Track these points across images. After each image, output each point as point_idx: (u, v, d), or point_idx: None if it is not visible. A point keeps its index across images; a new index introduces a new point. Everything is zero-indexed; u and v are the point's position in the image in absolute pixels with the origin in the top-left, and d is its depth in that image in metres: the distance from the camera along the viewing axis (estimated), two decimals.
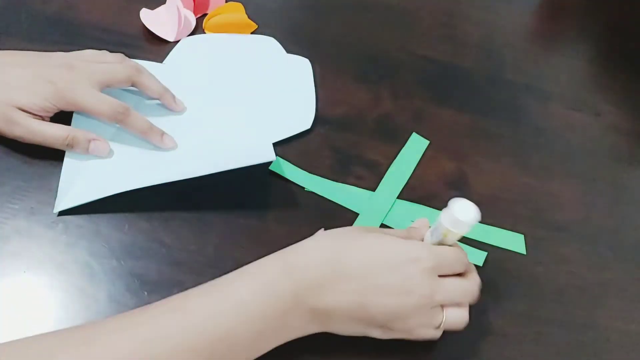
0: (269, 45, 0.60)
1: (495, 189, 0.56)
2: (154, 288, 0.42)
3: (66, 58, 0.47)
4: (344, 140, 0.55)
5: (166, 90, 0.50)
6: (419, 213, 0.51)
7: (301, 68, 0.59)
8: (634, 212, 0.58)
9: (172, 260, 0.43)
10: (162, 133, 0.48)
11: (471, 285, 0.40)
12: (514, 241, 0.52)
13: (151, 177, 0.44)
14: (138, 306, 0.37)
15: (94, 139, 0.46)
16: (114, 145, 0.47)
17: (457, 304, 0.39)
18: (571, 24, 0.78)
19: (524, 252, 0.51)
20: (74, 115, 0.48)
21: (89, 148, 0.46)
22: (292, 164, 0.52)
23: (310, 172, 0.52)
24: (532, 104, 0.65)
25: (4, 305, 0.40)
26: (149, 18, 0.58)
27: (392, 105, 0.60)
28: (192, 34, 0.60)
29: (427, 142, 0.56)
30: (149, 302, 0.41)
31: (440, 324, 0.39)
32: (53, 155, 0.46)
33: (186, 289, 0.42)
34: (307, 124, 0.54)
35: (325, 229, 0.47)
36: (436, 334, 0.40)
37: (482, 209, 0.53)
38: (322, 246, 0.38)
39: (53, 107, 0.44)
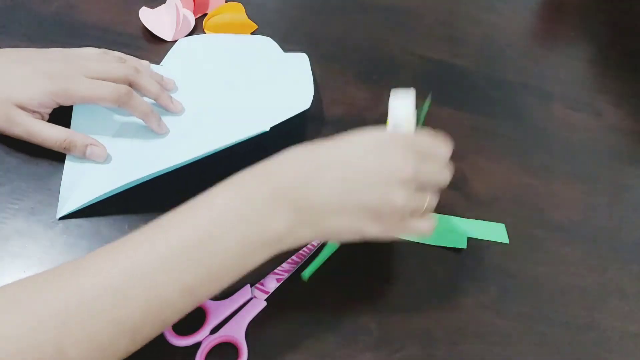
0: (267, 45, 0.60)
1: (495, 189, 0.56)
2: None
3: (64, 53, 0.47)
4: None
5: (162, 91, 0.50)
6: None
7: (299, 61, 0.59)
8: (634, 212, 0.58)
9: None
10: (160, 118, 0.49)
11: (446, 172, 0.40)
12: (496, 231, 0.52)
13: (151, 166, 0.44)
14: None
15: (91, 144, 0.46)
16: (114, 144, 0.47)
17: (434, 188, 0.40)
18: (571, 24, 0.78)
19: (507, 242, 0.51)
20: (73, 116, 0.48)
21: (86, 152, 0.45)
22: None
23: None
24: (532, 104, 0.65)
25: None
26: (148, 17, 0.58)
27: None
28: (192, 34, 0.60)
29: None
30: None
31: (425, 208, 0.39)
32: (53, 156, 0.46)
33: None
34: (306, 104, 0.52)
35: None
36: (427, 226, 0.39)
37: (482, 209, 0.54)
38: (298, 150, 0.37)
39: (52, 101, 0.44)
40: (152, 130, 0.48)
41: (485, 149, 0.59)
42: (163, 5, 0.60)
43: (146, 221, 0.45)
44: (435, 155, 0.40)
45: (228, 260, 0.34)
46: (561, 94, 0.67)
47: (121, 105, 0.46)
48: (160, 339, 0.39)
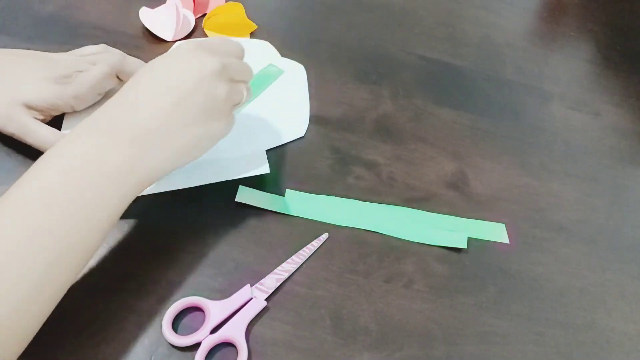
0: (264, 49, 0.60)
1: (495, 189, 0.56)
2: (154, 287, 0.41)
3: (69, 55, 0.47)
4: (344, 140, 0.55)
5: None
6: (420, 216, 0.51)
7: (296, 74, 0.59)
8: (634, 212, 0.58)
9: (172, 260, 0.43)
10: None
11: (247, 65, 0.44)
12: (496, 231, 0.52)
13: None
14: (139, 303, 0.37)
15: None
16: None
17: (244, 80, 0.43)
18: (571, 24, 0.78)
19: (507, 241, 0.52)
20: (64, 122, 0.47)
21: None
22: (292, 164, 0.52)
23: (310, 173, 0.52)
24: (532, 104, 0.65)
25: None
26: (148, 17, 0.58)
27: (392, 105, 0.60)
28: (192, 33, 0.60)
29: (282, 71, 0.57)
30: (148, 301, 0.41)
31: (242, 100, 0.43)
32: None
33: (185, 289, 0.42)
34: (301, 132, 0.54)
35: (326, 231, 0.48)
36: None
37: (482, 209, 0.54)
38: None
39: (63, 104, 0.44)
40: None
41: (485, 149, 0.59)
42: (163, 5, 0.60)
43: (146, 221, 0.46)
44: (230, 50, 0.42)
45: (79, 224, 0.33)
46: (561, 94, 0.67)
47: (120, 70, 0.46)
48: (160, 339, 0.39)
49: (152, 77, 0.38)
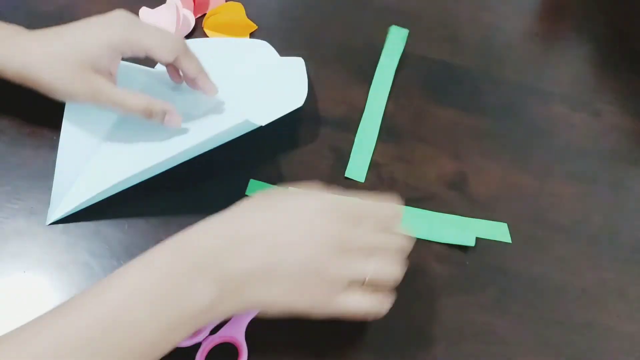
0: (263, 49, 0.60)
1: (495, 189, 0.56)
2: None
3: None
4: (344, 140, 0.55)
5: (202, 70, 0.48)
6: (423, 215, 0.51)
7: (295, 64, 0.59)
8: (634, 212, 0.58)
9: None
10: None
11: (396, 237, 0.37)
12: (498, 231, 0.52)
13: (142, 163, 0.43)
14: None
15: (169, 111, 0.45)
16: (103, 146, 0.47)
17: (384, 252, 0.36)
18: (571, 24, 0.78)
19: (509, 241, 0.52)
20: (65, 111, 0.47)
21: (164, 119, 0.45)
22: (293, 163, 0.52)
23: (310, 172, 0.52)
24: (532, 104, 0.65)
25: (4, 306, 0.40)
26: (148, 17, 0.58)
27: (392, 105, 0.60)
28: (192, 33, 0.60)
29: (407, 30, 0.58)
30: None
31: (366, 279, 0.35)
32: (53, 155, 0.46)
33: None
34: (300, 102, 0.52)
35: None
36: (365, 303, 0.36)
37: (482, 209, 0.54)
38: (214, 222, 0.35)
39: (117, 52, 0.43)
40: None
41: (485, 149, 0.59)
42: (163, 5, 0.60)
43: (146, 221, 0.46)
44: (376, 217, 0.37)
45: (144, 343, 0.31)
46: (561, 94, 0.67)
47: (180, 58, 0.45)
48: None
49: (265, 225, 0.34)
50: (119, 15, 0.44)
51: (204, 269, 0.32)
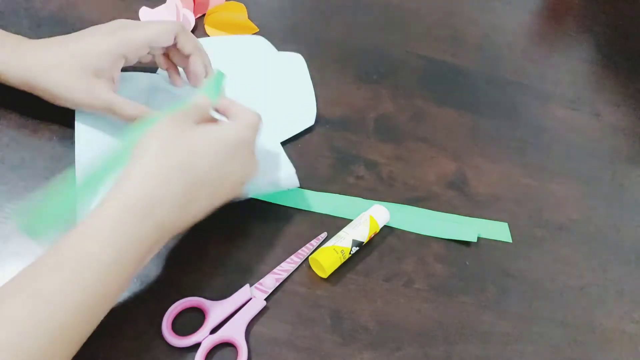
0: (260, 44, 0.60)
1: (495, 189, 0.56)
2: (154, 287, 0.41)
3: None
4: (344, 140, 0.55)
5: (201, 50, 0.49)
6: (425, 214, 0.51)
7: (295, 64, 0.59)
8: (634, 212, 0.58)
9: (172, 260, 0.43)
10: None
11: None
12: (499, 230, 0.52)
13: None
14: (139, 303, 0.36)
15: None
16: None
17: None
18: (571, 24, 0.78)
19: (510, 240, 0.52)
20: (76, 133, 0.47)
21: None
22: (293, 163, 0.52)
23: (310, 172, 0.52)
24: (532, 104, 0.65)
25: None
26: (148, 17, 0.58)
27: (392, 105, 0.60)
28: (192, 33, 0.60)
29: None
30: (148, 302, 0.41)
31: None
32: (53, 155, 0.46)
33: (185, 289, 0.42)
34: (310, 121, 0.55)
35: (326, 231, 0.48)
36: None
37: (482, 209, 0.54)
38: (161, 168, 0.37)
39: (119, 56, 0.44)
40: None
41: (485, 149, 0.59)
42: (163, 5, 0.60)
43: None
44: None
45: (107, 304, 0.35)
46: (561, 94, 0.67)
47: (179, 35, 0.46)
48: (160, 340, 0.39)
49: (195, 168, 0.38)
50: (119, 22, 0.46)
51: (157, 227, 0.36)
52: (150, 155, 0.37)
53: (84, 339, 0.34)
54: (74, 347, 0.33)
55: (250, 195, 0.47)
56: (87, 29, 0.45)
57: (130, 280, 0.36)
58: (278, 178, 0.48)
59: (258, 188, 0.47)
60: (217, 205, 0.40)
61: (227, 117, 0.43)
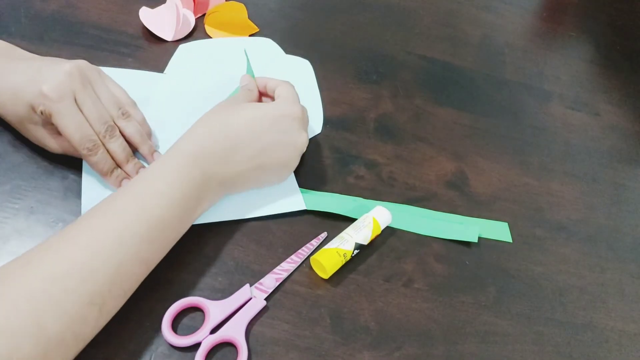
0: (268, 46, 0.60)
1: (495, 189, 0.56)
2: (154, 287, 0.41)
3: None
4: (344, 140, 0.55)
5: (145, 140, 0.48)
6: (426, 214, 0.51)
7: (303, 70, 0.59)
8: (634, 212, 0.58)
9: (172, 260, 0.43)
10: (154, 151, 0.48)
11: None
12: (499, 230, 0.52)
13: None
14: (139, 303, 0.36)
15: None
16: None
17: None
18: (571, 24, 0.78)
19: (510, 240, 0.52)
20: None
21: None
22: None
23: (310, 172, 0.52)
24: (532, 104, 0.65)
25: None
26: (148, 17, 0.58)
27: (392, 105, 0.60)
28: (192, 33, 0.60)
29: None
30: (148, 302, 0.41)
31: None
32: (53, 155, 0.46)
33: (185, 289, 0.42)
34: (317, 129, 0.55)
35: (326, 231, 0.48)
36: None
37: (482, 209, 0.54)
38: (211, 130, 0.44)
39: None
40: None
41: (485, 149, 0.59)
42: (163, 5, 0.60)
43: None
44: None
45: (171, 236, 0.41)
46: (561, 94, 0.67)
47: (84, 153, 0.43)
48: (160, 339, 0.39)
49: (251, 127, 0.45)
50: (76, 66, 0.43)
51: (210, 175, 0.43)
52: (204, 121, 0.45)
53: (152, 266, 0.40)
54: (146, 270, 0.39)
55: (254, 215, 0.47)
56: (50, 60, 0.44)
57: (188, 222, 0.42)
58: (284, 201, 0.48)
59: (262, 210, 0.47)
60: (259, 175, 0.46)
61: (267, 92, 0.50)
